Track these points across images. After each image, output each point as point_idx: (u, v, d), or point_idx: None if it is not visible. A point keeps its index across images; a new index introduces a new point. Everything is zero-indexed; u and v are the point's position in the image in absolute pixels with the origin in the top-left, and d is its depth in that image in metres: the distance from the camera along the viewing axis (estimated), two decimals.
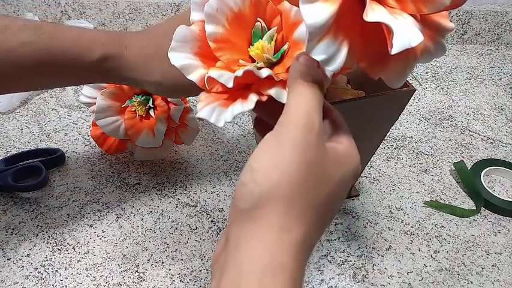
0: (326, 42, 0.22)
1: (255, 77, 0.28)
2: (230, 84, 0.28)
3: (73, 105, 0.66)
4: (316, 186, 0.23)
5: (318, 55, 0.22)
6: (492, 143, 0.63)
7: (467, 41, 0.87)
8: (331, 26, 0.22)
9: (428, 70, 0.79)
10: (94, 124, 0.54)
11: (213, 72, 0.29)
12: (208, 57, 0.31)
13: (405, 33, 0.21)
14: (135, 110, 0.52)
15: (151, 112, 0.52)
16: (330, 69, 0.23)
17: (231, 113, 0.28)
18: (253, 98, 0.29)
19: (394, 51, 0.21)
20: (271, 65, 0.30)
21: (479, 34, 0.86)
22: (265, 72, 0.27)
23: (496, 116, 0.69)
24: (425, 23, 0.25)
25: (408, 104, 0.70)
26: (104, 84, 0.52)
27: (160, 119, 0.51)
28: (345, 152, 0.25)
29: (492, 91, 0.75)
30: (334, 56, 0.23)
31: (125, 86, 0.52)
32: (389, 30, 0.21)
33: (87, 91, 0.53)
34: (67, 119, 0.63)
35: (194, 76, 0.31)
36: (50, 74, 0.38)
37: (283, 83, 0.29)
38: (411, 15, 0.23)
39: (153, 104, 0.52)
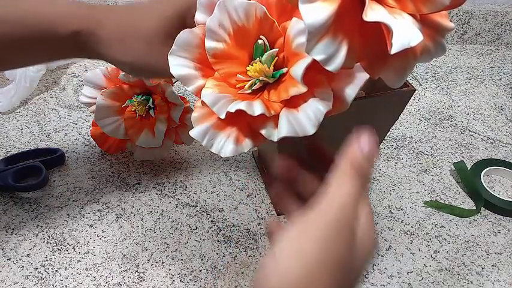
0: (325, 42, 0.22)
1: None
2: (222, 116, 0.29)
3: (73, 105, 0.66)
4: (342, 281, 0.22)
5: (317, 55, 0.22)
6: (492, 143, 0.63)
7: (467, 41, 0.87)
8: (331, 26, 0.22)
9: (428, 70, 0.79)
10: (94, 124, 0.55)
11: (207, 97, 0.29)
12: (208, 65, 0.31)
13: (405, 33, 0.21)
14: (135, 110, 0.52)
15: (151, 112, 0.52)
16: (329, 69, 0.23)
17: (224, 153, 0.29)
18: (248, 143, 0.29)
19: (393, 50, 0.21)
20: (267, 84, 0.30)
21: (479, 34, 0.86)
22: (257, 111, 0.27)
23: (496, 116, 0.69)
24: (424, 22, 0.25)
25: (408, 104, 0.70)
26: (104, 84, 0.53)
27: (160, 119, 0.51)
28: (366, 235, 0.25)
29: (492, 91, 0.75)
30: (334, 56, 0.22)
31: (125, 85, 0.52)
32: (389, 30, 0.21)
33: (87, 91, 0.53)
34: (67, 119, 0.63)
35: (192, 87, 0.31)
36: (23, 49, 0.36)
37: (275, 119, 0.29)
38: (411, 14, 0.23)
39: (153, 104, 0.52)
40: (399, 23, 0.22)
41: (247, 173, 0.56)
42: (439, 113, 0.69)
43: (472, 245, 0.49)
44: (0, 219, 0.49)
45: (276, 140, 0.29)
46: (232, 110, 0.28)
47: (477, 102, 0.72)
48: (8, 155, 0.56)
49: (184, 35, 0.31)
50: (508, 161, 0.59)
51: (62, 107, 0.66)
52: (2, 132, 0.61)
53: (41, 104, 0.66)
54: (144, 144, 0.53)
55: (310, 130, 0.27)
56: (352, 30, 0.23)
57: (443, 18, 0.26)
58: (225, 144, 0.30)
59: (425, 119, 0.67)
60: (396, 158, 0.60)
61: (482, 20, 0.84)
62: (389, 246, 0.48)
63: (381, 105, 0.40)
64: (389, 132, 0.64)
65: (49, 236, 0.47)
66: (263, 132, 0.29)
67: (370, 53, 0.24)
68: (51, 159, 0.55)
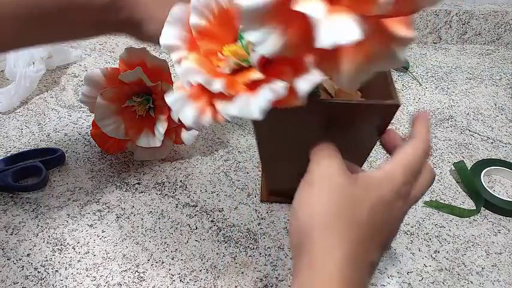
0: (260, 26, 0.23)
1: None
2: (186, 86, 0.31)
3: (73, 105, 0.66)
4: (350, 209, 0.26)
5: (250, 37, 0.24)
6: (492, 143, 0.63)
7: (467, 41, 0.87)
8: (268, 11, 0.22)
9: (428, 70, 0.79)
10: (94, 124, 0.55)
11: (181, 68, 0.32)
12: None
13: (333, 30, 0.22)
14: (135, 110, 0.52)
15: (151, 112, 0.52)
16: (260, 52, 0.24)
17: (185, 121, 0.31)
18: (208, 118, 0.31)
19: (317, 44, 0.22)
20: (243, 67, 0.31)
21: (479, 34, 0.86)
22: (216, 86, 0.29)
23: (496, 116, 0.69)
24: (379, 28, 0.24)
25: (408, 104, 0.70)
26: (104, 84, 0.53)
27: (160, 119, 0.51)
28: (381, 175, 0.28)
29: (492, 91, 0.75)
30: (266, 40, 0.24)
31: (124, 85, 0.52)
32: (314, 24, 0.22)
33: (87, 91, 0.53)
34: (67, 119, 0.63)
35: (174, 56, 0.33)
36: (66, 21, 0.39)
37: (232, 97, 0.30)
38: (361, 16, 0.23)
39: (153, 104, 0.52)
40: (331, 19, 0.22)
41: (247, 173, 0.56)
42: (439, 113, 0.69)
43: (472, 245, 0.49)
44: (0, 219, 0.49)
45: (226, 118, 0.30)
46: (191, 80, 0.30)
47: (477, 102, 0.72)
48: (8, 155, 0.56)
49: (177, 9, 0.33)
50: (508, 161, 0.59)
51: (62, 107, 0.66)
52: (2, 132, 0.61)
53: (41, 104, 0.66)
54: (144, 144, 0.53)
55: (255, 115, 0.29)
56: (290, 19, 0.23)
57: (400, 26, 0.25)
58: (190, 113, 0.32)
59: None
60: None
61: (482, 20, 0.84)
62: (390, 246, 0.48)
63: (361, 113, 0.37)
64: None
65: (49, 236, 0.47)
66: (219, 108, 0.30)
67: (314, 48, 0.24)
68: (51, 159, 0.55)
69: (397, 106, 0.35)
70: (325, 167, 0.28)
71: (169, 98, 0.32)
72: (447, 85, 0.75)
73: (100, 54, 0.79)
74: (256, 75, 0.29)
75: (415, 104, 0.71)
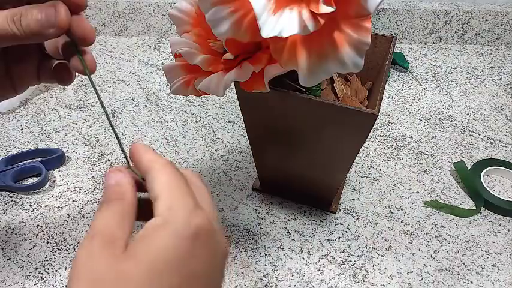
0: (216, 5, 0.25)
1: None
2: (172, 54, 0.35)
3: (73, 105, 0.66)
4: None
5: (207, 16, 0.25)
6: (492, 143, 0.63)
7: (467, 41, 0.87)
8: None
9: (428, 70, 0.79)
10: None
11: (174, 40, 0.35)
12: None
13: (273, 22, 0.23)
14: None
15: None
16: (214, 33, 0.26)
17: (172, 88, 0.35)
18: (190, 91, 0.35)
19: (261, 34, 0.23)
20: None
21: (479, 34, 0.86)
22: (195, 61, 0.33)
23: (496, 116, 0.69)
24: (333, 28, 0.25)
25: (408, 104, 0.70)
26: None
27: None
28: (153, 225, 0.24)
29: (492, 91, 0.75)
30: (221, 22, 0.25)
31: None
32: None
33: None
34: (67, 119, 0.63)
35: (180, 29, 0.37)
36: None
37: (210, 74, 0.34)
38: (311, 13, 0.23)
39: None
40: (274, 12, 0.23)
41: (247, 173, 0.56)
42: (439, 113, 0.69)
43: (472, 245, 0.49)
44: (0, 219, 0.49)
45: (199, 91, 0.33)
46: (176, 50, 0.33)
47: (477, 102, 0.72)
48: (8, 155, 0.56)
49: None
50: (508, 161, 0.59)
51: (62, 107, 0.66)
52: (2, 132, 0.61)
53: (41, 104, 0.66)
54: None
55: (220, 93, 0.31)
56: (243, 5, 0.25)
57: (357, 30, 0.25)
58: (176, 83, 0.34)
59: (425, 119, 0.67)
60: (396, 158, 0.60)
61: (482, 20, 0.84)
62: (390, 246, 0.48)
63: (337, 118, 0.37)
64: (389, 132, 0.64)
65: (49, 236, 0.47)
66: (196, 81, 0.33)
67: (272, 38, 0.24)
68: (51, 159, 0.55)
69: (373, 116, 0.34)
70: (85, 255, 0.22)
71: (166, 66, 0.35)
72: (447, 85, 0.75)
73: (100, 54, 0.79)
74: (228, 55, 0.32)
75: (415, 104, 0.71)
